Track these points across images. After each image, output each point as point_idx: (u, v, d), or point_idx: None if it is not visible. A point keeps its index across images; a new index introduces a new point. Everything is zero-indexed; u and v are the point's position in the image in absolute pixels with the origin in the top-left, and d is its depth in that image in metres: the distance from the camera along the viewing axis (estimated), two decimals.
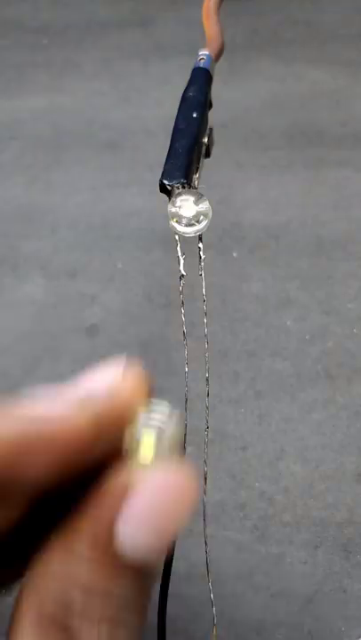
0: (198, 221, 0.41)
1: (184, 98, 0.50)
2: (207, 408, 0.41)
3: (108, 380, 0.30)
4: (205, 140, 0.50)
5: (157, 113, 1.17)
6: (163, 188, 0.43)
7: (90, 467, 0.28)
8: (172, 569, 0.47)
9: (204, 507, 0.47)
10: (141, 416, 0.33)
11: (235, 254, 0.91)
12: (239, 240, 0.93)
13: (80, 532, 0.27)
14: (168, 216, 0.41)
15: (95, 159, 1.11)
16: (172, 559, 0.42)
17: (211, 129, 0.52)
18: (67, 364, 0.78)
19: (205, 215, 0.41)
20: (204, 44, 0.60)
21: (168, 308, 0.81)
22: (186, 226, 0.41)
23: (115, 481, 0.28)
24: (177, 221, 0.40)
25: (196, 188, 0.44)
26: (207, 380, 0.41)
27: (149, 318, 0.82)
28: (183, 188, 0.42)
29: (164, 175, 0.42)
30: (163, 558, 0.29)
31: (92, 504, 0.27)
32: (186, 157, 0.45)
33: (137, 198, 1.02)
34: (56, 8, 1.53)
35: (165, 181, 0.42)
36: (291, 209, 0.99)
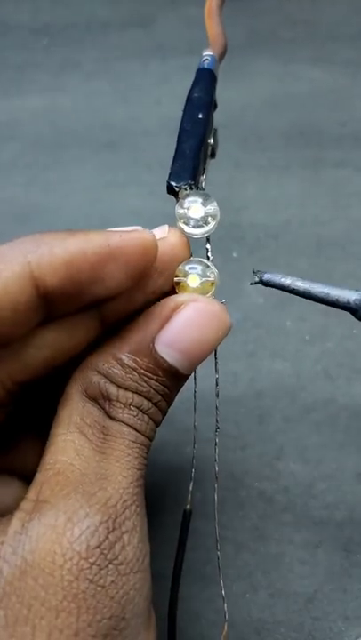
0: (206, 223, 0.41)
1: (189, 99, 0.50)
2: (217, 408, 0.42)
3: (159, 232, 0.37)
4: (211, 140, 0.50)
5: (157, 113, 1.17)
6: (170, 190, 0.43)
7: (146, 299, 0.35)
8: (170, 570, 0.47)
9: (216, 505, 0.47)
10: (190, 260, 0.40)
11: (234, 254, 0.91)
12: (239, 240, 0.93)
13: (126, 340, 0.34)
14: (176, 218, 0.41)
15: (94, 159, 1.11)
16: (181, 564, 0.42)
17: (215, 129, 0.52)
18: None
19: (213, 217, 0.41)
20: (204, 43, 0.60)
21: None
22: (194, 227, 0.42)
23: (163, 302, 0.34)
24: (185, 223, 0.41)
25: (204, 189, 0.45)
26: (216, 380, 0.42)
27: None
28: (191, 189, 0.43)
29: (171, 177, 0.43)
30: (192, 370, 0.35)
31: (140, 320, 0.34)
32: (193, 158, 0.45)
33: (136, 198, 1.02)
34: (56, 8, 1.52)
35: (173, 183, 0.43)
36: (290, 209, 0.99)
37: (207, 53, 0.56)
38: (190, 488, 0.45)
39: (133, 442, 0.35)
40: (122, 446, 0.34)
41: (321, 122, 1.15)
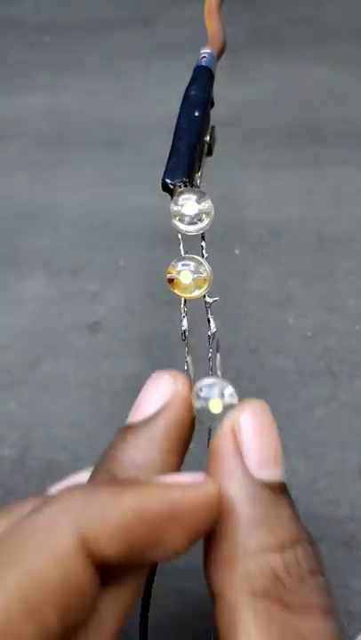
0: (200, 220, 0.41)
1: (186, 96, 0.50)
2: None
3: (165, 397, 0.35)
4: (207, 138, 0.50)
5: (159, 111, 1.17)
6: (165, 187, 0.43)
7: None
8: (173, 565, 0.47)
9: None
10: (183, 257, 0.39)
11: (236, 251, 0.91)
12: (241, 237, 0.93)
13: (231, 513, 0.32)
14: (170, 215, 0.41)
15: (97, 157, 1.11)
16: (153, 576, 0.42)
17: (213, 127, 0.52)
18: (69, 360, 0.78)
19: (208, 214, 0.41)
20: (205, 42, 0.60)
21: (170, 304, 0.81)
22: (188, 224, 0.41)
23: (223, 436, 0.34)
24: (179, 220, 0.41)
25: (199, 187, 0.45)
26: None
27: (152, 315, 0.82)
28: (185, 186, 0.43)
29: (166, 174, 0.43)
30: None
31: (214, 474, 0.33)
32: (188, 156, 0.45)
33: (139, 196, 1.02)
34: (57, 7, 1.53)
35: (168, 180, 0.43)
36: (292, 206, 0.99)
37: (205, 51, 0.56)
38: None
39: (328, 629, 0.33)
40: None
41: (323, 119, 1.15)
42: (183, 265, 0.41)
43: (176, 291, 0.42)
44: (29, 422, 0.72)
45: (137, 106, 1.21)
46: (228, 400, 0.36)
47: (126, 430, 0.35)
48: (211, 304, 0.46)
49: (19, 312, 0.85)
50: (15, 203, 1.02)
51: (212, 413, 0.36)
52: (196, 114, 0.47)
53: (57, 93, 1.25)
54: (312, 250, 0.90)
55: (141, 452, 0.33)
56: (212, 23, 0.63)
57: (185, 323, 0.43)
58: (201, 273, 0.41)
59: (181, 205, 0.41)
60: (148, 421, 0.34)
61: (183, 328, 0.43)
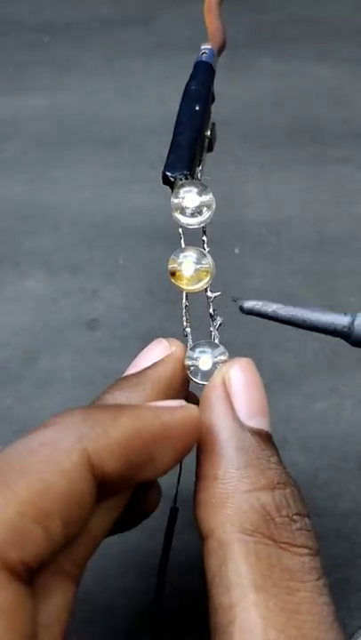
0: (201, 213, 0.41)
1: (186, 91, 0.50)
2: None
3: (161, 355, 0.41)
4: (208, 133, 0.50)
5: (159, 110, 1.17)
6: (165, 180, 0.43)
7: None
8: (175, 563, 0.47)
9: None
10: (185, 247, 0.39)
11: (236, 250, 0.91)
12: (241, 236, 0.93)
13: (215, 453, 0.35)
14: (171, 208, 0.41)
15: (97, 156, 1.11)
16: (166, 565, 0.42)
17: (213, 124, 0.52)
18: (67, 357, 0.78)
19: (209, 206, 0.41)
20: (205, 40, 0.60)
21: (169, 302, 0.81)
22: (189, 217, 0.42)
23: (212, 387, 0.38)
24: (180, 213, 0.40)
25: (200, 180, 0.44)
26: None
27: (150, 313, 0.82)
28: (186, 179, 0.42)
29: (166, 167, 0.42)
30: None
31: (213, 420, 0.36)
32: (189, 150, 0.45)
33: (139, 195, 1.02)
34: (57, 6, 1.53)
35: (168, 173, 0.42)
36: (292, 205, 0.99)
37: (205, 47, 0.56)
38: (177, 484, 0.45)
39: (314, 569, 0.34)
40: (312, 594, 0.33)
41: (324, 119, 1.15)
42: (185, 256, 0.41)
43: (178, 283, 0.42)
44: (26, 418, 0.72)
45: (137, 105, 1.21)
46: (217, 358, 0.39)
47: (118, 379, 0.38)
48: (213, 299, 0.45)
49: (17, 309, 0.85)
50: (15, 202, 1.02)
51: (202, 370, 0.39)
52: (197, 108, 0.47)
53: (57, 93, 1.25)
54: (312, 249, 0.90)
55: (126, 396, 0.36)
56: (212, 21, 0.62)
57: (186, 321, 0.43)
58: (203, 264, 0.41)
59: (182, 198, 0.41)
60: (139, 372, 0.38)
61: (185, 324, 0.43)
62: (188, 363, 0.40)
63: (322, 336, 0.74)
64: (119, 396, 0.37)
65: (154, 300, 0.83)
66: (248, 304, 0.42)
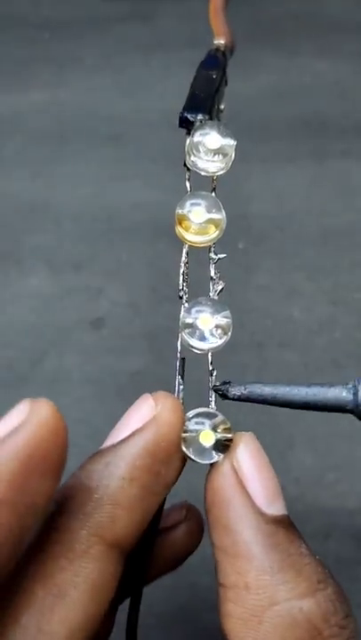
0: (225, 154, 0.37)
1: (202, 63, 0.47)
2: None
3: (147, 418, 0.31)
4: (222, 107, 0.48)
5: (160, 106, 1.16)
6: (184, 122, 0.39)
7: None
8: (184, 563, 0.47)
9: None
10: (194, 193, 0.34)
11: (240, 246, 0.90)
12: (244, 231, 0.92)
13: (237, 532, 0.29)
14: (186, 151, 0.37)
15: (98, 152, 1.11)
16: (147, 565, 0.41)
17: (222, 110, 0.50)
18: (72, 356, 0.78)
19: (226, 154, 0.37)
20: (206, 37, 0.60)
21: (174, 299, 0.80)
22: (208, 162, 0.36)
23: (219, 477, 0.33)
24: (196, 153, 0.36)
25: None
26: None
27: (155, 310, 0.82)
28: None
29: (185, 109, 0.39)
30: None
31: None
32: (207, 100, 0.42)
33: (141, 191, 1.02)
34: (57, 3, 1.52)
35: (187, 115, 0.39)
36: (295, 200, 0.98)
37: (218, 41, 0.56)
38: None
39: None
40: None
41: (325, 113, 1.15)
42: (193, 204, 0.36)
43: (184, 234, 0.36)
44: None
45: (137, 101, 1.20)
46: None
47: (93, 455, 0.32)
48: (217, 260, 0.41)
49: (21, 308, 0.84)
50: (16, 199, 1.02)
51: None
52: (214, 76, 0.46)
53: (57, 89, 1.25)
54: (316, 243, 0.90)
55: (97, 478, 0.30)
56: (218, 24, 0.62)
57: (183, 280, 0.37)
58: (215, 213, 0.36)
59: (203, 137, 0.37)
60: (114, 447, 0.31)
61: (181, 285, 0.37)
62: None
63: (328, 334, 0.74)
64: (89, 479, 0.31)
65: (159, 298, 0.83)
66: (233, 392, 0.35)
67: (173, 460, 0.31)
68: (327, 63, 1.26)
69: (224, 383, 0.35)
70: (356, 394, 0.32)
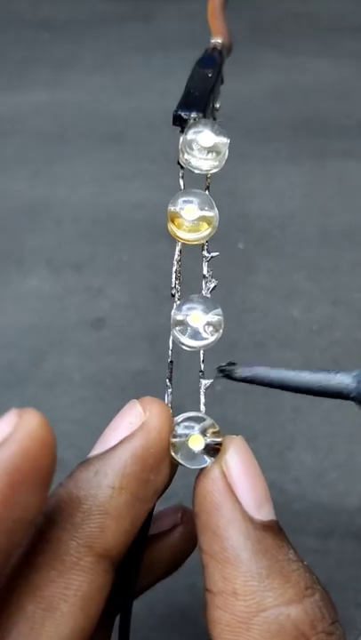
0: (219, 152, 0.37)
1: (196, 64, 0.48)
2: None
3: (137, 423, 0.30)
4: (217, 105, 0.48)
5: (160, 106, 1.16)
6: (177, 119, 0.39)
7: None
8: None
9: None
10: (186, 191, 0.33)
11: (240, 246, 0.90)
12: (244, 231, 0.92)
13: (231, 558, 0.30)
14: (180, 148, 0.37)
15: (98, 152, 1.11)
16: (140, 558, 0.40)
17: (217, 108, 0.50)
18: (73, 357, 0.78)
19: (219, 152, 0.37)
20: (206, 36, 0.60)
21: (174, 299, 0.81)
22: (201, 160, 0.36)
23: (208, 481, 0.29)
24: (189, 151, 0.36)
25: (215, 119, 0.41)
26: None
27: (156, 310, 0.82)
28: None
29: (180, 107, 0.39)
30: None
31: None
32: (202, 97, 0.42)
33: (141, 191, 1.02)
34: (57, 3, 1.52)
35: (181, 112, 0.39)
36: (296, 200, 0.98)
37: (215, 40, 0.55)
38: None
39: None
40: None
41: (326, 113, 1.15)
42: (187, 200, 0.36)
43: (177, 231, 0.36)
44: None
45: (137, 101, 1.20)
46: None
47: (82, 463, 0.31)
48: (210, 258, 0.41)
49: (21, 309, 0.84)
50: (16, 199, 1.02)
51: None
52: (210, 75, 0.46)
53: (57, 89, 1.25)
54: (317, 243, 0.90)
55: (86, 487, 0.30)
56: (216, 25, 0.62)
57: (175, 278, 0.37)
58: (207, 211, 0.36)
59: (196, 135, 0.37)
60: (101, 456, 0.30)
61: (173, 283, 0.37)
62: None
63: (328, 334, 0.74)
64: (78, 488, 0.30)
65: (159, 298, 0.83)
66: (240, 373, 0.35)
67: (163, 466, 0.31)
68: (327, 63, 1.26)
69: (230, 364, 0.35)
70: (359, 382, 0.33)
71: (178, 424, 0.32)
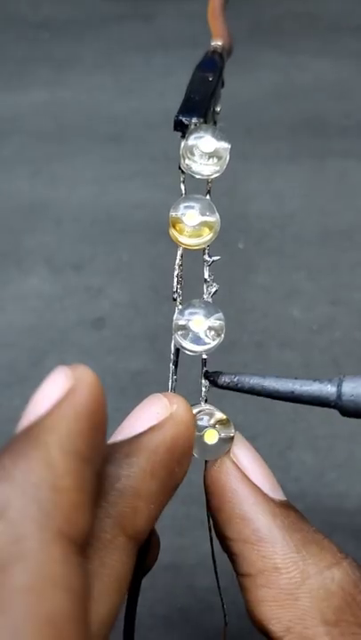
0: (220, 157, 0.37)
1: (197, 68, 0.48)
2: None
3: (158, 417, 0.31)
4: (218, 108, 0.48)
5: (160, 105, 1.16)
6: (178, 125, 0.39)
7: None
8: (183, 561, 0.47)
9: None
10: (187, 197, 0.34)
11: (240, 245, 0.90)
12: (244, 231, 0.92)
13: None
14: (181, 154, 0.37)
15: (98, 152, 1.11)
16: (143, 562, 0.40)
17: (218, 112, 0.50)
18: (73, 357, 0.78)
19: (220, 157, 0.37)
20: (206, 36, 0.60)
21: (176, 303, 0.81)
22: (202, 165, 0.37)
23: (221, 472, 0.32)
24: (190, 156, 0.36)
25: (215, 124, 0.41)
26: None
27: (156, 310, 0.82)
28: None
29: (180, 112, 0.39)
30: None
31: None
32: (202, 102, 0.42)
33: (141, 191, 1.02)
34: (56, 2, 1.52)
35: (182, 118, 0.39)
36: (296, 199, 0.98)
37: (215, 43, 0.55)
38: None
39: None
40: None
41: (326, 113, 1.15)
42: (188, 206, 0.36)
43: (178, 237, 0.37)
44: None
45: (137, 100, 1.20)
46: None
47: (107, 444, 0.30)
48: (211, 262, 0.41)
49: (21, 309, 0.84)
50: (16, 198, 1.02)
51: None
52: (210, 79, 0.46)
53: (57, 89, 1.25)
54: (316, 243, 0.90)
55: (117, 466, 0.29)
56: (216, 26, 0.62)
57: (177, 282, 0.37)
58: (209, 216, 0.36)
59: (197, 141, 0.37)
60: (130, 440, 0.30)
61: (175, 287, 0.37)
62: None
63: (328, 334, 0.74)
64: (109, 466, 0.30)
65: (160, 298, 0.83)
66: (223, 379, 0.35)
67: (186, 460, 0.31)
68: (327, 63, 1.26)
69: (215, 372, 0.36)
70: (339, 388, 0.33)
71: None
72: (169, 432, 0.30)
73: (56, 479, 0.25)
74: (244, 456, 0.33)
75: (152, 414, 0.30)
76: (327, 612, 0.28)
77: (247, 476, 0.32)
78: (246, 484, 0.32)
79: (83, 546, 0.26)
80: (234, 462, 0.32)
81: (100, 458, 0.27)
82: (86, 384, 0.28)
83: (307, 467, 0.65)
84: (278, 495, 0.32)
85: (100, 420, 0.27)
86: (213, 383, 0.35)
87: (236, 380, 0.35)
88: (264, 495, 0.31)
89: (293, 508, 0.31)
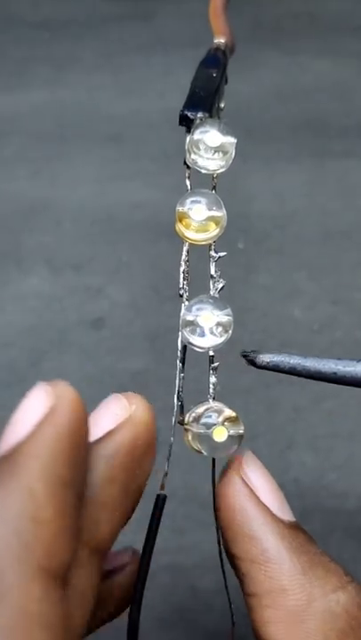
0: (226, 152, 0.37)
1: (201, 64, 0.47)
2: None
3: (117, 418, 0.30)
4: (222, 105, 0.48)
5: (160, 105, 1.16)
6: (183, 119, 0.39)
7: None
8: (184, 562, 0.47)
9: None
10: (193, 191, 0.33)
11: (240, 245, 0.90)
12: (245, 231, 0.92)
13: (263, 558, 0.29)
14: (187, 148, 0.37)
15: (98, 152, 1.11)
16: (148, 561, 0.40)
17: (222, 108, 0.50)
18: (73, 357, 0.78)
19: (226, 152, 0.37)
20: (207, 36, 0.60)
21: (174, 299, 0.80)
22: (208, 160, 0.36)
23: (229, 487, 0.31)
24: (196, 151, 0.36)
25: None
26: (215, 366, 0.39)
27: (156, 310, 0.82)
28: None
29: (186, 107, 0.39)
30: None
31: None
32: (208, 97, 0.42)
33: (141, 191, 1.02)
34: (56, 3, 1.52)
35: (187, 112, 0.39)
36: (296, 199, 0.98)
37: (218, 40, 0.55)
38: (166, 469, 0.43)
39: None
40: None
41: (326, 113, 1.15)
42: (193, 202, 0.36)
43: (185, 231, 0.36)
44: None
45: (137, 100, 1.20)
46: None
47: None
48: (217, 258, 0.41)
49: (21, 308, 0.84)
50: (16, 198, 1.02)
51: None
52: (214, 74, 0.45)
53: (57, 89, 1.25)
54: (317, 242, 0.90)
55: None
56: (218, 24, 0.61)
57: (183, 279, 0.37)
58: (216, 211, 0.36)
59: (203, 135, 0.37)
60: (90, 445, 0.29)
61: (181, 283, 0.37)
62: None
63: (329, 334, 0.74)
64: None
65: (160, 298, 0.83)
66: (262, 359, 0.34)
67: (147, 461, 0.30)
68: (328, 63, 1.26)
69: (253, 351, 0.35)
70: None
71: (199, 415, 0.32)
72: (127, 434, 0.29)
73: (37, 510, 0.24)
74: (255, 475, 0.31)
75: (111, 416, 0.29)
76: (331, 634, 0.28)
77: (257, 495, 0.31)
78: (255, 503, 0.31)
79: (63, 577, 0.26)
80: (244, 481, 0.31)
81: (82, 476, 0.26)
82: (67, 401, 0.26)
83: (307, 467, 0.65)
84: (287, 516, 0.31)
85: (81, 437, 0.26)
86: (252, 363, 0.34)
87: (276, 359, 0.34)
88: (273, 515, 0.31)
89: (302, 530, 0.31)
